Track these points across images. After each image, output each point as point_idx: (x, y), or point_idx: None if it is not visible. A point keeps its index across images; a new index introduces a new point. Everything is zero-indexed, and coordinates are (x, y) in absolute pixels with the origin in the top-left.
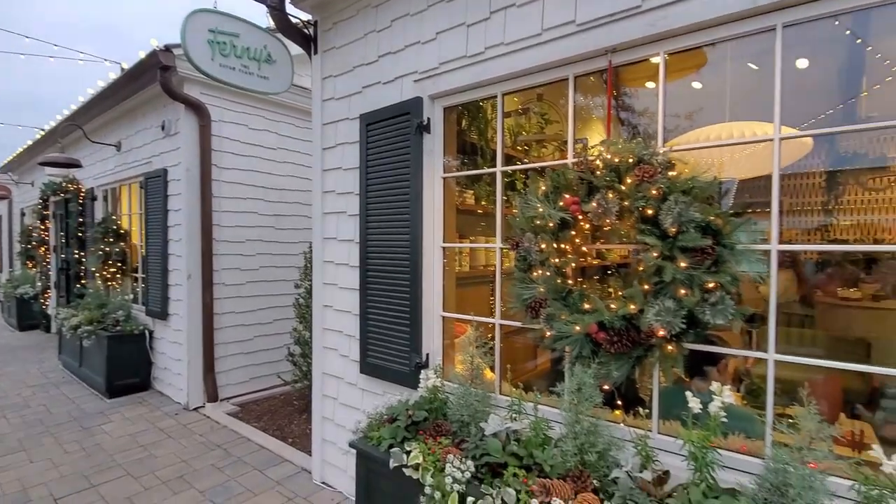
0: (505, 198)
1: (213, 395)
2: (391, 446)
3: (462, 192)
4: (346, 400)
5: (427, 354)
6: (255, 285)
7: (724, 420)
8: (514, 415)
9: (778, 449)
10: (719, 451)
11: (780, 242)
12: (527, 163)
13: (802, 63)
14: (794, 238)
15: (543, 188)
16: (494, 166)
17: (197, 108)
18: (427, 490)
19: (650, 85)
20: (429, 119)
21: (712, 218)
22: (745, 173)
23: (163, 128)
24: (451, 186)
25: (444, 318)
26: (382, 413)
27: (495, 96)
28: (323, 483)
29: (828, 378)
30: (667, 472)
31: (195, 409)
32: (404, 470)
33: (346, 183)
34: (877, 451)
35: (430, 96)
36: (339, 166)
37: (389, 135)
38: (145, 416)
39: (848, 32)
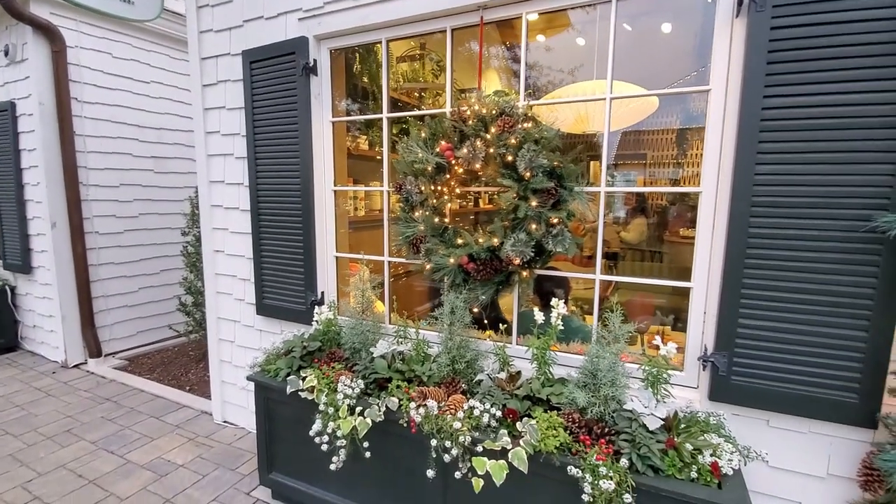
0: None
1: (95, 351)
2: (288, 375)
3: (356, 137)
4: (244, 342)
5: (322, 292)
6: (136, 234)
7: (562, 328)
8: (400, 339)
9: (594, 346)
10: (559, 353)
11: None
12: (419, 110)
13: (667, 27)
14: (657, 184)
15: (423, 135)
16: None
17: (48, 32)
18: (322, 407)
19: (539, 38)
20: (315, 61)
21: (556, 164)
22: (619, 125)
23: (6, 53)
24: (342, 131)
25: (337, 258)
26: (279, 348)
27: (380, 42)
28: (225, 422)
29: (645, 296)
30: (518, 373)
31: (76, 366)
32: (300, 394)
33: (231, 123)
34: (657, 341)
35: (316, 37)
36: (223, 105)
37: (275, 74)
38: (17, 377)
39: (710, 1)
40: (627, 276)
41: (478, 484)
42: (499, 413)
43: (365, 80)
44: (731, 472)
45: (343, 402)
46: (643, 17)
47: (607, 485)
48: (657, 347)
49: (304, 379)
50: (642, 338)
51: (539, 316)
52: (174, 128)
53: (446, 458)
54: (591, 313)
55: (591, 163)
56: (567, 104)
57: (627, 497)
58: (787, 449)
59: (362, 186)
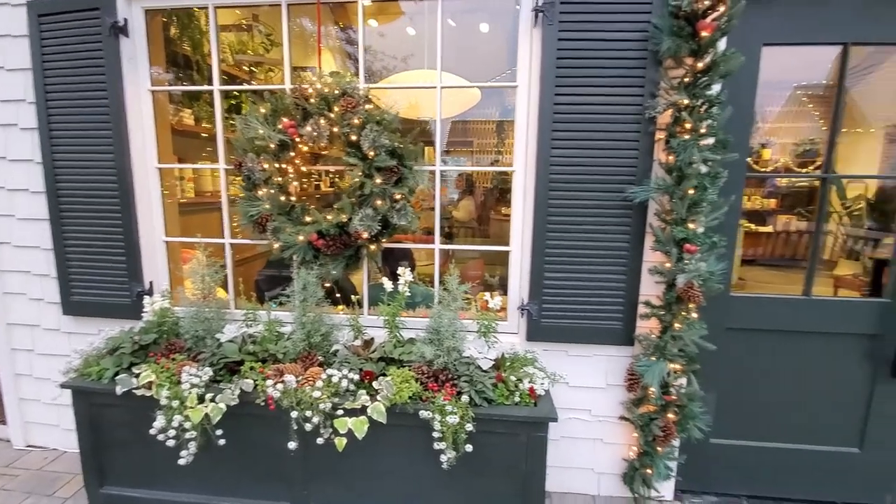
0: (232, 121)
1: None
2: (116, 374)
3: (179, 111)
4: (48, 349)
5: (151, 282)
6: None
7: (409, 295)
8: (249, 322)
9: (437, 307)
10: (407, 318)
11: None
12: (249, 84)
13: (485, 27)
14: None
15: (263, 111)
16: (212, 84)
17: None
18: (164, 402)
19: (372, 23)
20: (126, 20)
21: (397, 144)
22: (447, 114)
23: None
24: (164, 103)
25: (167, 243)
26: (100, 347)
27: (206, 7)
28: (29, 446)
29: (478, 263)
30: (372, 339)
31: None
32: (135, 392)
33: (13, 87)
34: (487, 296)
35: None
36: (1, 66)
37: (74, 33)
38: None
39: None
40: (461, 245)
41: (341, 443)
42: (356, 377)
43: (188, 48)
44: (543, 394)
45: (191, 392)
46: (464, 14)
47: (453, 419)
48: (487, 302)
49: (138, 376)
50: (474, 300)
51: (388, 285)
52: None
53: (308, 427)
54: (431, 285)
55: (426, 148)
56: (402, 90)
57: (469, 426)
58: (579, 372)
59: (193, 164)
